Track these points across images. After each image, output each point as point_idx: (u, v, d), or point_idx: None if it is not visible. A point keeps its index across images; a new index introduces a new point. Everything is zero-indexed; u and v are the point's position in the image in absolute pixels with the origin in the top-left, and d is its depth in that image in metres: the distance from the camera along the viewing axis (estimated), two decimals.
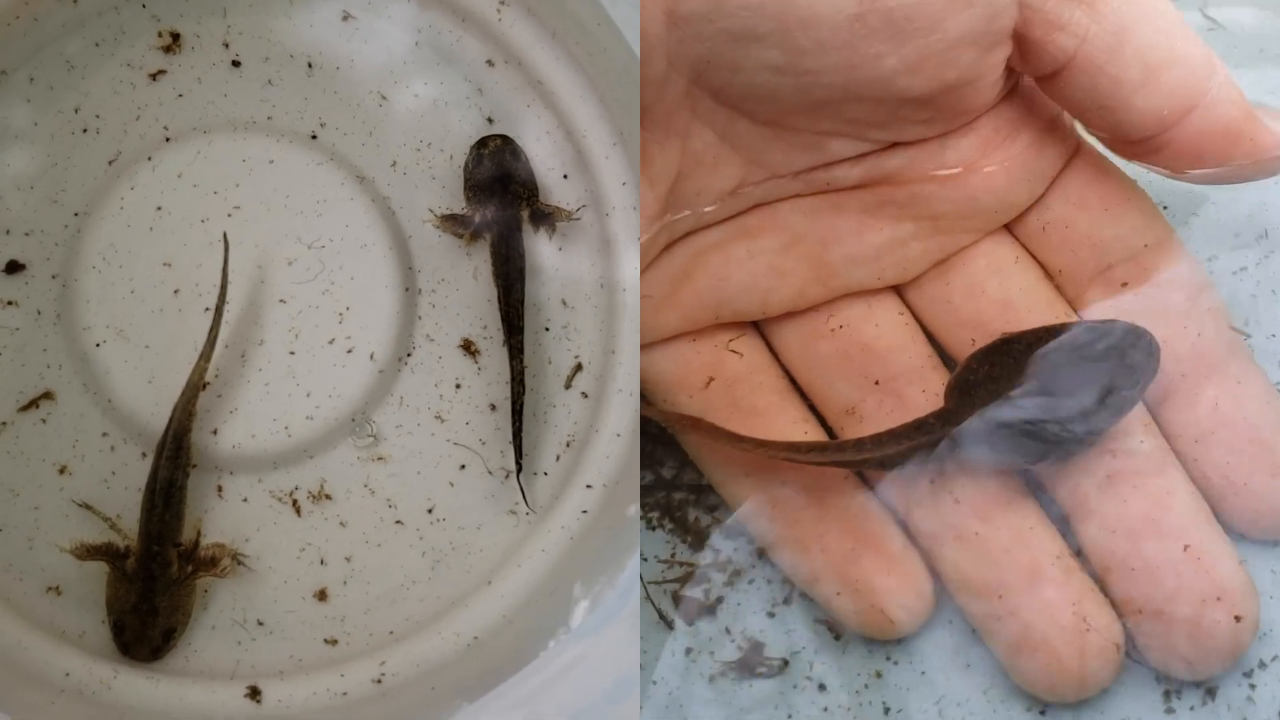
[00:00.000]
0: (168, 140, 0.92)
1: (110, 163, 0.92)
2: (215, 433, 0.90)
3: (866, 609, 0.75)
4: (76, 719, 0.85)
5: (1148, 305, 0.77)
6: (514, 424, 0.88)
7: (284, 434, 0.90)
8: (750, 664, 0.79)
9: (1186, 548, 0.72)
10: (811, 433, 0.79)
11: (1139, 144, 0.75)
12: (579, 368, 0.93)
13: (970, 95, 0.73)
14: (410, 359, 0.92)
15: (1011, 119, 0.77)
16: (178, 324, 0.90)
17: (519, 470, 0.89)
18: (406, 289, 0.92)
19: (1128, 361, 0.74)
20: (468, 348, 0.92)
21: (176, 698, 0.87)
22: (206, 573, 0.87)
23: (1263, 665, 0.76)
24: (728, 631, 0.81)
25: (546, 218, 0.92)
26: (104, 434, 0.89)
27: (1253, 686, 0.76)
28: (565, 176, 0.94)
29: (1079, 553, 0.76)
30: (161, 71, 0.92)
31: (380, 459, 0.91)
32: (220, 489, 0.90)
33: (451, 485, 0.91)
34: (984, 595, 0.74)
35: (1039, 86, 0.76)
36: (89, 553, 0.85)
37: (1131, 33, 0.71)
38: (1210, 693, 0.76)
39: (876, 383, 0.78)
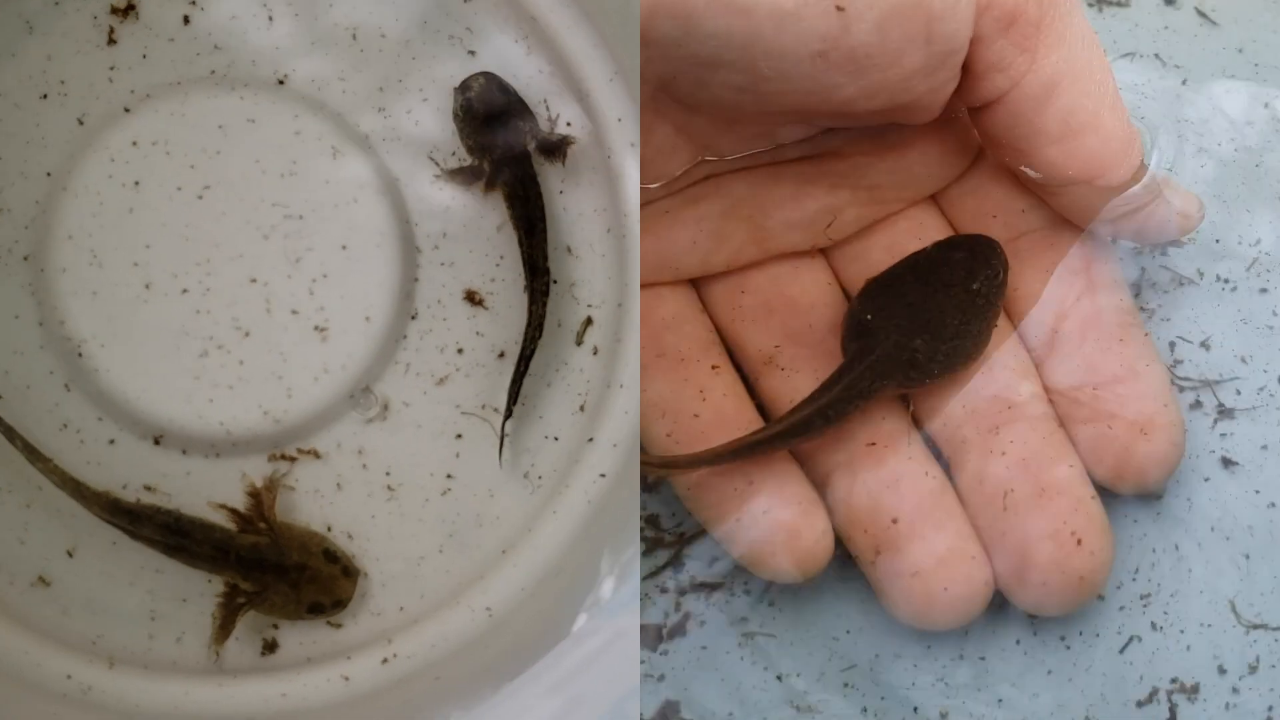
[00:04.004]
0: (127, 111, 0.89)
1: (80, 122, 0.89)
2: (206, 416, 0.87)
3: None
4: None
5: (1047, 268, 0.82)
6: (519, 368, 0.86)
7: (281, 410, 0.87)
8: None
9: (1045, 490, 0.78)
10: (727, 377, 0.82)
11: (1038, 184, 0.81)
12: (589, 322, 0.90)
13: (919, 113, 0.78)
14: (413, 323, 0.89)
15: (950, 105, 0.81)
16: (163, 306, 0.87)
17: (507, 415, 0.86)
18: (404, 246, 0.89)
19: (980, 264, 0.80)
20: (472, 299, 0.89)
21: (182, 693, 0.85)
22: (272, 509, 0.85)
23: (1253, 669, 0.80)
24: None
25: (556, 146, 0.90)
26: (97, 418, 0.87)
27: (1235, 691, 0.79)
28: (568, 124, 0.91)
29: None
30: (123, 25, 0.90)
31: (383, 429, 0.88)
32: (216, 473, 0.87)
33: (457, 456, 0.88)
34: (868, 528, 0.79)
35: (968, 114, 0.81)
36: (229, 620, 0.83)
37: (1062, 89, 0.76)
38: (1192, 692, 0.79)
39: (794, 333, 0.83)
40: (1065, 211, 0.82)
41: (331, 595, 0.84)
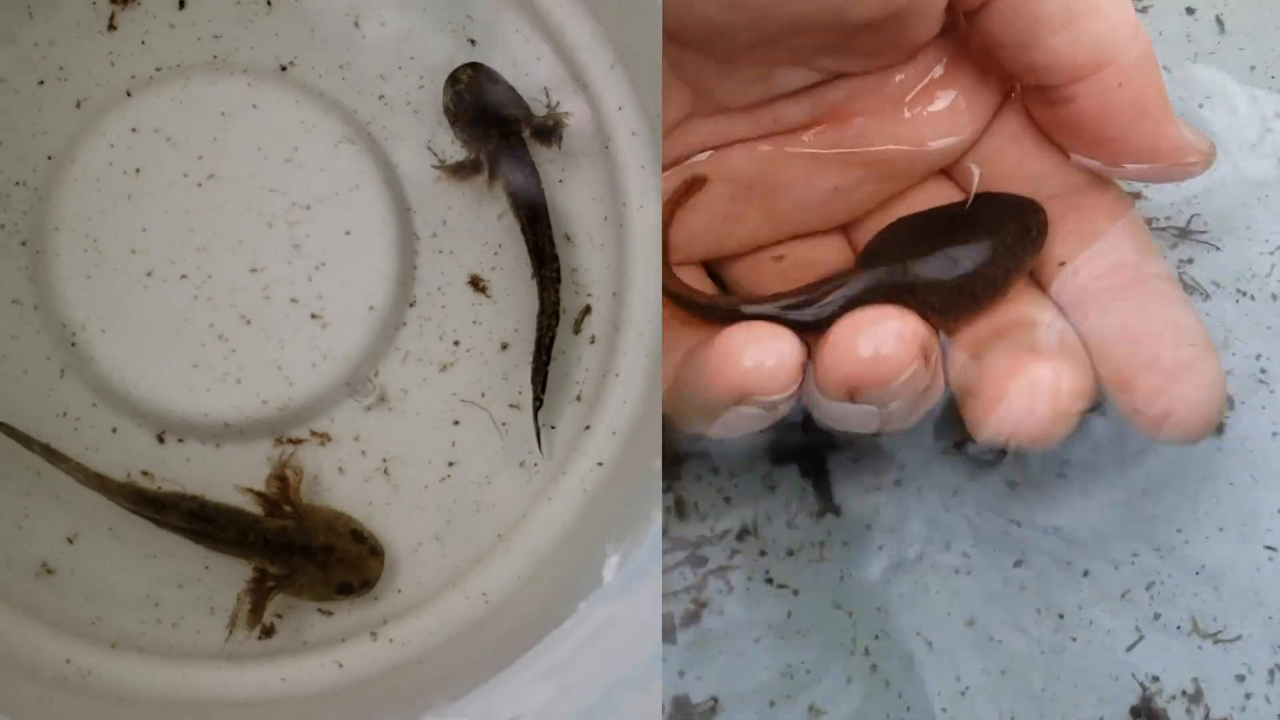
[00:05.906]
0: (128, 95, 0.88)
1: (78, 105, 0.89)
2: (205, 404, 0.87)
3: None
4: (77, 712, 0.83)
5: (1073, 231, 0.80)
6: (541, 357, 0.86)
7: (282, 397, 0.87)
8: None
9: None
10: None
11: (1048, 92, 0.78)
12: (587, 310, 0.90)
13: (916, 25, 0.76)
14: (412, 310, 0.89)
15: (950, 56, 0.80)
16: (162, 293, 0.87)
17: (538, 406, 0.86)
18: (403, 233, 0.89)
19: (1019, 223, 0.79)
20: (476, 284, 0.89)
21: (180, 677, 0.85)
22: (297, 491, 0.85)
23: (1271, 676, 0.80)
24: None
25: (551, 130, 0.90)
26: (93, 404, 0.87)
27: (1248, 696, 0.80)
28: (567, 113, 0.91)
29: None
30: (124, 12, 0.90)
31: (382, 416, 0.88)
32: (215, 461, 0.87)
33: (454, 444, 0.88)
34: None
35: (964, 20, 0.78)
36: (259, 604, 0.84)
37: None
38: (1196, 698, 0.80)
39: None
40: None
41: (360, 575, 0.84)
